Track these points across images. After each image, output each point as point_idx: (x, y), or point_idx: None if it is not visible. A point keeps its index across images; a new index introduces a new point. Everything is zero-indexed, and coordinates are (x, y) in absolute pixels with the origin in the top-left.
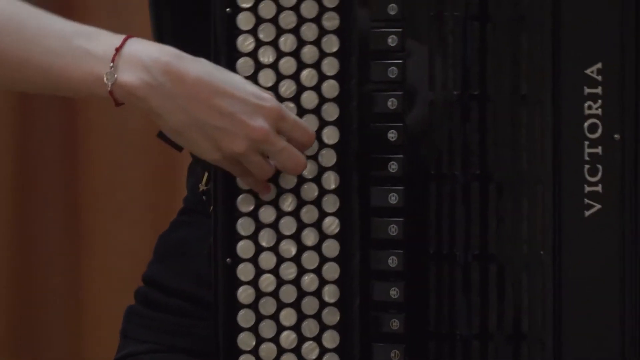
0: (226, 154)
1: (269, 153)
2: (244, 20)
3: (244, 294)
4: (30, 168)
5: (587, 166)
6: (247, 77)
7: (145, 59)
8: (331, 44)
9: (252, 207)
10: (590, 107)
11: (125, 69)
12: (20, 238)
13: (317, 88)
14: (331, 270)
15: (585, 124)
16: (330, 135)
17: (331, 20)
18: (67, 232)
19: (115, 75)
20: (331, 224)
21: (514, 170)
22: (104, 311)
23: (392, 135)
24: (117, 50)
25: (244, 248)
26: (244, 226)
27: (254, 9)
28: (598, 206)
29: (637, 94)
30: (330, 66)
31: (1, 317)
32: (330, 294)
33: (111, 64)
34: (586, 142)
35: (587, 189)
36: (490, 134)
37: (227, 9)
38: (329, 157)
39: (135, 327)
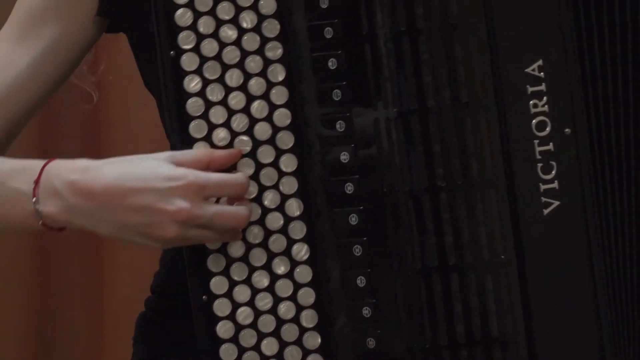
0: (163, 241)
1: (202, 226)
2: (188, 61)
3: (223, 328)
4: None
5: (540, 164)
6: (198, 117)
7: (56, 184)
8: (277, 73)
9: (219, 244)
10: (535, 105)
11: (44, 200)
12: (41, 235)
13: (269, 118)
14: (307, 295)
15: (533, 122)
16: (289, 163)
17: (274, 50)
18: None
19: (39, 209)
20: (300, 250)
21: (464, 177)
22: (124, 308)
23: (344, 157)
24: (36, 182)
25: (218, 284)
26: (214, 263)
27: (196, 49)
28: (557, 203)
29: (585, 85)
30: (279, 95)
31: (22, 315)
32: (309, 318)
33: (34, 199)
34: (536, 141)
35: (543, 187)
36: (435, 145)
37: (171, 52)
38: (290, 185)
39: (146, 333)
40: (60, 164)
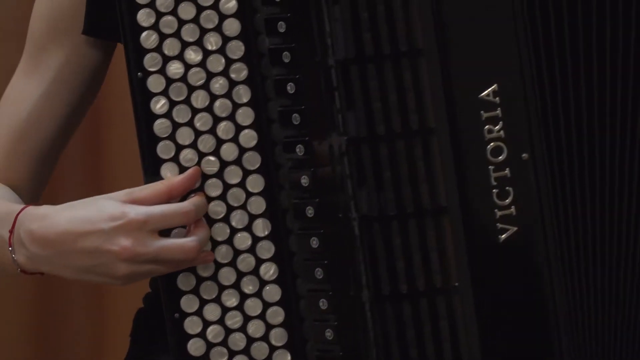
0: (119, 279)
1: (150, 261)
2: (154, 83)
3: (194, 346)
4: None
5: (495, 190)
6: (165, 138)
7: (22, 234)
8: (242, 94)
9: None
10: (490, 131)
11: (16, 249)
12: None
13: (235, 139)
14: (275, 314)
15: (488, 148)
16: (255, 183)
17: (239, 72)
18: None
19: (15, 257)
20: (269, 270)
21: (415, 205)
22: (124, 306)
23: (304, 181)
24: (10, 232)
25: (187, 302)
26: (184, 281)
27: (162, 71)
28: (513, 229)
29: (544, 108)
30: (245, 116)
31: (24, 313)
32: (278, 337)
33: (10, 248)
34: (491, 167)
35: (499, 213)
36: (385, 173)
37: (139, 74)
38: (257, 205)
39: (143, 330)
40: (27, 212)
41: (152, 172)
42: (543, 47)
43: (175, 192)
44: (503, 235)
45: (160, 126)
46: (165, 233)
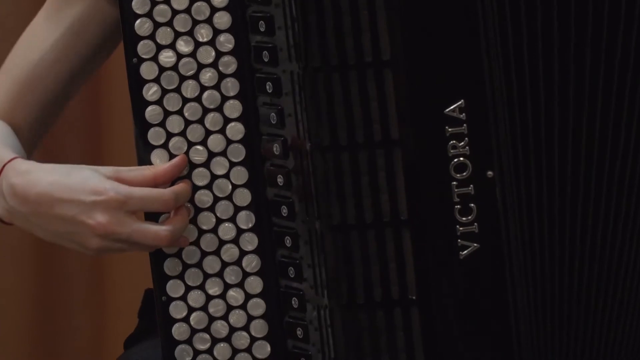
0: (90, 251)
1: (123, 240)
2: (147, 70)
3: (179, 330)
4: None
5: (457, 207)
6: (156, 125)
7: (4, 186)
8: (229, 87)
9: (175, 249)
10: (455, 147)
11: None
12: None
13: (222, 131)
14: (256, 306)
15: (452, 165)
16: (239, 175)
17: (228, 65)
18: None
19: None
20: (251, 262)
21: (374, 215)
22: (125, 294)
23: (280, 180)
24: None
25: (173, 287)
26: (170, 266)
27: (155, 59)
28: (476, 246)
29: (513, 125)
30: (233, 109)
31: (24, 304)
32: (258, 328)
33: None
34: (454, 183)
35: (460, 229)
36: (346, 182)
37: (134, 59)
38: (242, 197)
39: (151, 307)
40: (13, 164)
41: (143, 158)
42: (514, 63)
43: (160, 178)
44: (464, 252)
45: (152, 112)
46: (152, 217)
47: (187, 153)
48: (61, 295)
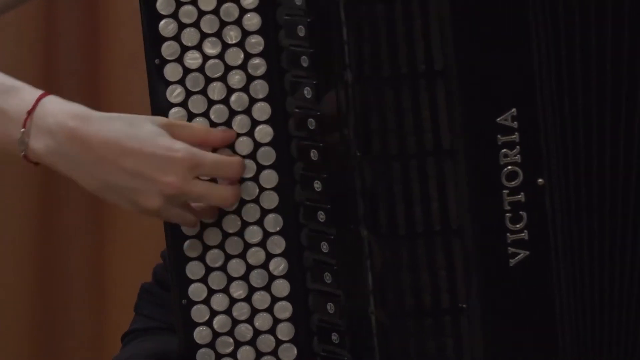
0: (145, 210)
1: (184, 204)
2: (171, 72)
3: (201, 334)
4: None
5: (508, 215)
6: None
7: (52, 124)
8: (259, 90)
9: (198, 252)
10: (506, 155)
11: (34, 134)
12: (44, 219)
13: (250, 134)
14: (283, 309)
15: (503, 172)
16: (269, 179)
17: (257, 67)
18: (89, 212)
19: (27, 140)
20: (279, 265)
21: (424, 224)
22: (125, 290)
23: (317, 186)
24: (29, 113)
25: (196, 291)
26: (192, 271)
27: (180, 60)
28: (525, 253)
29: (563, 134)
30: (262, 112)
31: (24, 297)
32: (285, 332)
33: (22, 129)
34: (505, 191)
35: (511, 237)
36: (397, 191)
37: (156, 60)
38: (270, 200)
39: (146, 304)
40: (58, 103)
41: None
42: (565, 70)
43: (210, 142)
44: (514, 260)
45: (176, 115)
46: None
47: None
48: (60, 289)
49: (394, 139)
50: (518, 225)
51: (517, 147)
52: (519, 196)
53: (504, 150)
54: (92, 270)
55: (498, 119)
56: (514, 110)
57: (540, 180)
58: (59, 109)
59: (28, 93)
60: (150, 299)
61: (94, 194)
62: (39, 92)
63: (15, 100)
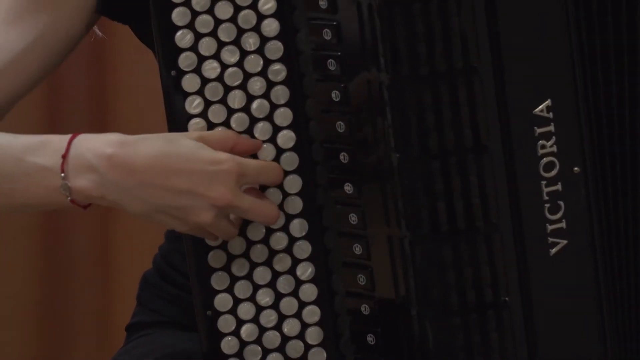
0: (196, 226)
1: (237, 215)
2: (189, 83)
3: (228, 344)
4: None
5: (547, 205)
6: None
7: (90, 158)
8: (280, 95)
9: (223, 263)
10: (543, 147)
11: (75, 174)
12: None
13: (272, 140)
14: (312, 314)
15: (541, 164)
16: (293, 184)
17: (278, 73)
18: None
19: (69, 184)
20: (306, 270)
21: (466, 221)
22: (130, 273)
23: (348, 188)
24: (64, 157)
25: (221, 301)
26: (217, 281)
27: (197, 71)
28: (564, 242)
29: (597, 123)
30: (283, 117)
31: (33, 282)
32: (314, 336)
33: (62, 175)
34: (543, 182)
35: (550, 227)
36: (437, 188)
37: (172, 72)
38: (294, 205)
39: (148, 295)
40: (91, 138)
41: None
42: (600, 61)
43: (239, 147)
44: (554, 249)
45: (195, 126)
46: None
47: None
48: (67, 276)
49: (432, 137)
50: (556, 215)
51: (554, 137)
52: (557, 186)
53: (541, 141)
54: (98, 256)
55: (534, 111)
56: (549, 101)
57: (576, 168)
58: (93, 143)
59: (58, 141)
60: (153, 291)
61: (141, 217)
62: (68, 136)
63: (44, 151)
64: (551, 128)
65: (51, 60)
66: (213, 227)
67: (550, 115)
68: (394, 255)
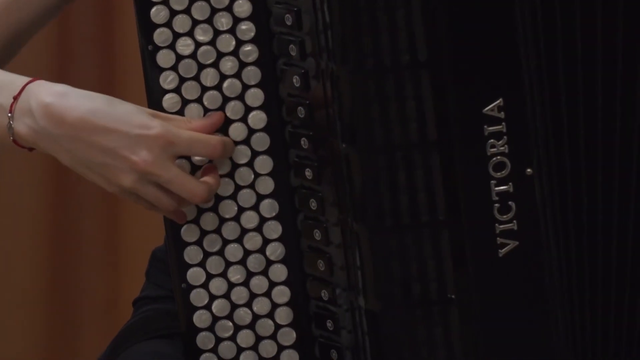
0: (118, 187)
1: (158, 185)
2: (164, 58)
3: (200, 318)
4: None
5: (496, 205)
6: (174, 113)
7: (32, 104)
8: (251, 76)
9: (195, 237)
10: (493, 146)
11: (18, 117)
12: (57, 191)
13: (244, 119)
14: (281, 294)
15: (490, 163)
16: (264, 164)
17: (249, 54)
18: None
19: (12, 124)
20: (276, 250)
21: (411, 215)
22: (138, 257)
23: (308, 174)
24: (15, 98)
25: (194, 275)
26: (190, 254)
27: (172, 47)
28: (515, 243)
29: (550, 124)
30: (255, 98)
31: (39, 270)
32: (283, 316)
33: (9, 114)
34: (493, 182)
35: (500, 227)
36: (383, 183)
37: (149, 47)
38: (265, 186)
39: (156, 271)
40: (42, 84)
41: None
42: (550, 61)
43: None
44: (503, 250)
45: (170, 101)
46: None
47: None
48: (75, 256)
49: (378, 130)
50: (506, 216)
51: (505, 137)
52: (507, 186)
53: (491, 140)
54: (106, 234)
55: (484, 110)
56: (500, 100)
57: (528, 170)
58: (40, 89)
59: (18, 82)
60: (160, 266)
61: (70, 168)
62: (31, 79)
63: (6, 91)
64: (502, 128)
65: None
66: (137, 192)
67: (502, 115)
68: (346, 243)
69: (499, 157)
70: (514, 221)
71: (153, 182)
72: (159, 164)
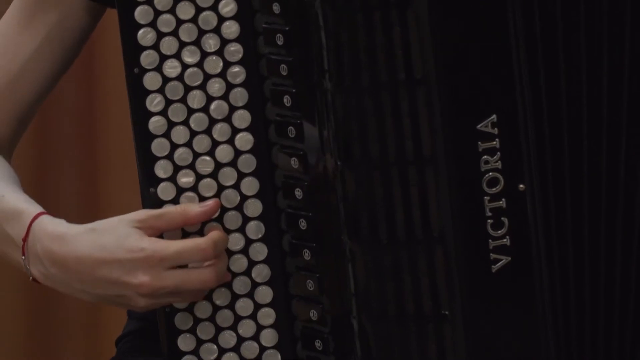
0: (142, 309)
1: (167, 294)
2: (150, 81)
3: (184, 341)
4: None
5: (490, 221)
6: (160, 136)
7: (39, 251)
8: (238, 97)
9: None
10: (487, 162)
11: (31, 261)
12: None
13: (230, 141)
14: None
15: (484, 179)
16: (250, 186)
17: (237, 75)
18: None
19: (28, 267)
20: (261, 272)
21: (406, 232)
22: None
23: (298, 194)
24: (24, 240)
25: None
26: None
27: (159, 69)
28: (507, 259)
29: (543, 140)
30: (242, 119)
31: (21, 289)
32: (269, 338)
33: (23, 257)
34: (486, 197)
35: (493, 243)
36: (378, 200)
37: (135, 70)
38: (252, 208)
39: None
40: (45, 225)
41: (146, 170)
42: (543, 78)
43: (192, 220)
44: (496, 265)
45: (156, 124)
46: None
47: (193, 164)
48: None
49: (374, 147)
50: (500, 232)
51: (498, 153)
52: (500, 202)
53: (485, 156)
54: None
55: (478, 126)
56: (494, 117)
57: (521, 186)
58: (43, 233)
59: (26, 217)
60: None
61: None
62: (34, 214)
63: (16, 225)
64: (496, 144)
65: (64, 55)
66: (157, 305)
67: (495, 131)
68: (338, 262)
69: (492, 173)
70: (507, 237)
71: (164, 294)
72: (157, 280)
